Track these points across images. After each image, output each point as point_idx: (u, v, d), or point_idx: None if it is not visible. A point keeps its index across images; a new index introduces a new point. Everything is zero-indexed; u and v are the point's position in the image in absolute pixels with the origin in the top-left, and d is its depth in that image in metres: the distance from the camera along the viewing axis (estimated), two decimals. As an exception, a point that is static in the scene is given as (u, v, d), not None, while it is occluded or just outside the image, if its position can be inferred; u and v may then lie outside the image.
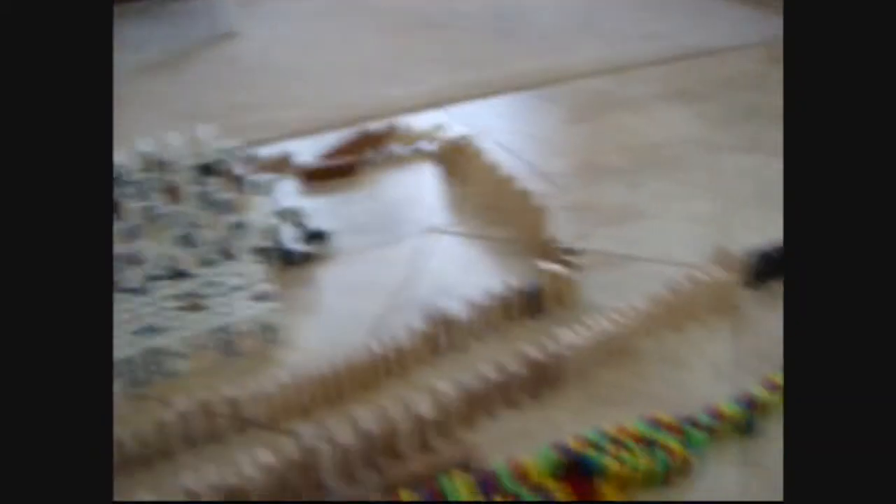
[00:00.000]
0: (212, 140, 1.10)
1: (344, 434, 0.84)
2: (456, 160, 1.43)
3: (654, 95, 1.76)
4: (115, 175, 1.06)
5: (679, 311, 1.06)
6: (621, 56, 1.97)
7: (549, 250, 1.15)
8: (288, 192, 1.31)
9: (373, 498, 0.83)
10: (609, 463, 0.83)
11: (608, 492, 0.83)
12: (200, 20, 2.36)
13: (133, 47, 2.21)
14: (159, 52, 2.18)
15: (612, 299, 1.09)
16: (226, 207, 1.13)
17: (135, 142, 1.10)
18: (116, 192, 1.07)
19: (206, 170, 1.10)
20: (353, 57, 2.06)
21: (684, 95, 1.75)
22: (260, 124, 1.61)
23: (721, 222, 1.27)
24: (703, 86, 1.80)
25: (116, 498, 0.79)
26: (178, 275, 1.12)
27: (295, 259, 1.19)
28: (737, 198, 1.34)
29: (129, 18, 2.43)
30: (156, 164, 1.08)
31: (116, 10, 2.41)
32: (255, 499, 0.82)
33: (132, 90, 1.94)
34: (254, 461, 0.82)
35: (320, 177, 1.42)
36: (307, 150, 1.49)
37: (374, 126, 1.58)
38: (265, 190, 1.16)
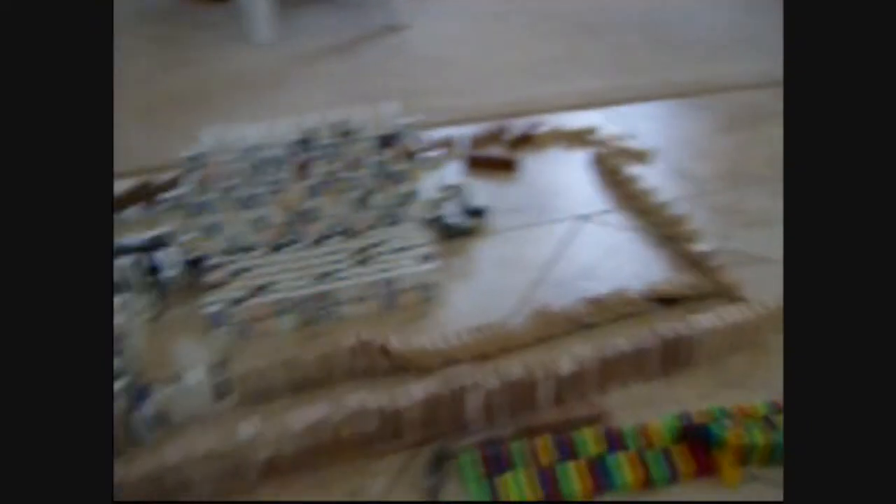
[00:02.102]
0: (392, 116, 1.23)
1: (490, 380, 0.95)
2: (606, 159, 1.52)
3: (807, 113, 1.79)
4: (305, 139, 1.20)
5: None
6: (778, 71, 2.01)
7: (690, 253, 1.24)
8: (451, 172, 1.43)
9: (509, 439, 0.93)
10: (729, 435, 0.91)
11: (725, 463, 0.91)
12: (374, 11, 2.52)
13: (311, 33, 2.38)
14: (335, 38, 2.34)
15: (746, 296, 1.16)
16: (398, 177, 1.25)
17: (323, 112, 1.24)
18: (305, 154, 1.21)
19: (385, 142, 1.23)
20: (514, 56, 2.17)
21: (838, 115, 1.78)
22: (424, 109, 1.73)
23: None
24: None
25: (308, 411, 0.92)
26: (350, 233, 1.26)
27: (454, 231, 1.31)
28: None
29: (309, 6, 2.61)
30: (342, 133, 1.21)
31: (300, -3, 2.60)
32: (406, 426, 0.94)
33: (310, 71, 2.11)
34: (408, 393, 0.94)
35: (481, 164, 1.54)
36: (465, 137, 1.61)
37: (530, 121, 1.69)
38: (434, 166, 1.28)
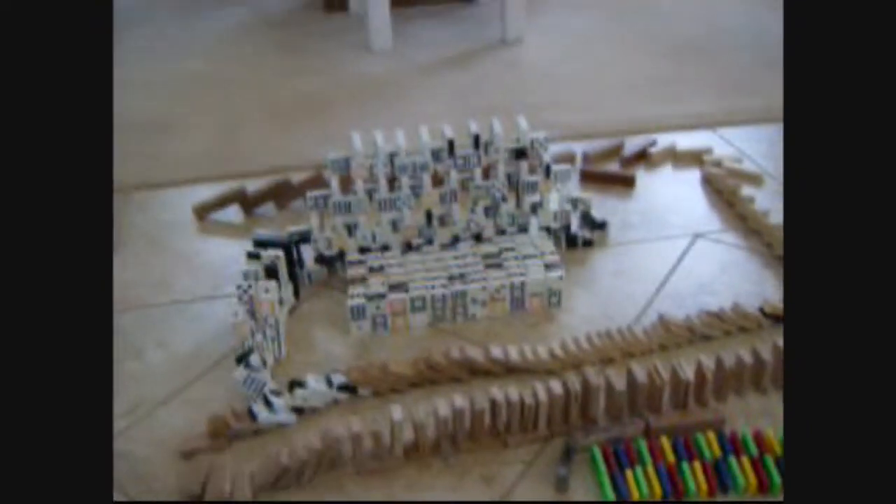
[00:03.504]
0: (525, 129, 1.31)
1: (617, 382, 1.02)
2: (719, 180, 1.58)
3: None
4: (445, 147, 1.28)
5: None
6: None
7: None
8: (573, 185, 1.50)
9: (634, 438, 1.00)
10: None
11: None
12: (486, 25, 2.60)
13: (426, 44, 2.48)
14: (449, 50, 2.43)
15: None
16: (529, 188, 1.33)
17: (459, 123, 1.33)
18: (443, 163, 1.29)
19: (520, 153, 1.31)
20: (626, 74, 2.22)
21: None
22: (540, 124, 1.81)
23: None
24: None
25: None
26: (479, 238, 1.34)
27: (578, 242, 1.39)
28: None
29: (422, 18, 2.71)
30: (479, 143, 1.29)
31: (416, 10, 2.71)
32: (541, 416, 1.01)
33: (428, 81, 2.20)
34: (545, 388, 1.01)
35: (598, 179, 1.61)
36: (582, 153, 1.69)
37: (645, 139, 1.75)
38: (562, 179, 1.35)
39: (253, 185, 1.58)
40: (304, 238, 1.33)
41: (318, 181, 1.53)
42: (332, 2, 2.74)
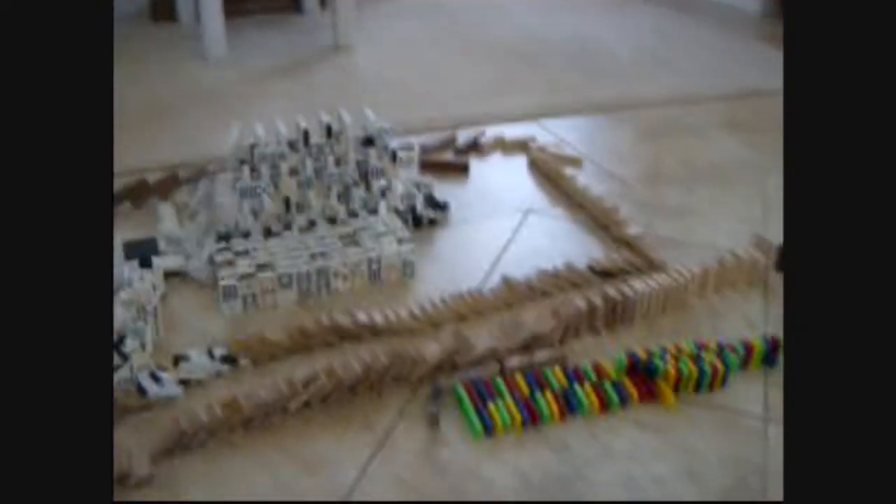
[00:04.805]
0: (374, 119, 1.44)
1: (474, 337, 1.17)
2: (544, 163, 1.76)
3: (713, 125, 2.07)
4: (301, 138, 1.39)
5: (722, 279, 1.37)
6: (687, 90, 2.29)
7: (620, 236, 1.49)
8: (415, 172, 1.64)
9: (491, 377, 1.15)
10: (667, 367, 1.14)
11: (664, 389, 1.14)
12: (317, 33, 2.73)
13: (261, 52, 2.57)
14: (284, 57, 2.54)
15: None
16: (377, 174, 1.46)
17: (319, 114, 1.45)
18: (301, 152, 1.41)
19: (368, 142, 1.44)
20: (453, 77, 2.40)
21: (739, 127, 2.06)
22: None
23: (758, 222, 1.58)
24: (757, 120, 2.10)
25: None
26: (334, 221, 1.45)
27: (423, 221, 1.53)
28: (774, 206, 1.64)
29: (255, 27, 2.80)
30: (330, 133, 1.41)
31: (248, 20, 2.79)
32: (409, 369, 1.14)
33: (265, 88, 2.30)
34: (426, 346, 1.15)
35: (436, 168, 1.76)
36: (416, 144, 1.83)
37: (474, 132, 1.92)
38: (407, 163, 1.49)
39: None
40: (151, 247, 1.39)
41: (173, 180, 1.60)
42: (160, 12, 2.78)
